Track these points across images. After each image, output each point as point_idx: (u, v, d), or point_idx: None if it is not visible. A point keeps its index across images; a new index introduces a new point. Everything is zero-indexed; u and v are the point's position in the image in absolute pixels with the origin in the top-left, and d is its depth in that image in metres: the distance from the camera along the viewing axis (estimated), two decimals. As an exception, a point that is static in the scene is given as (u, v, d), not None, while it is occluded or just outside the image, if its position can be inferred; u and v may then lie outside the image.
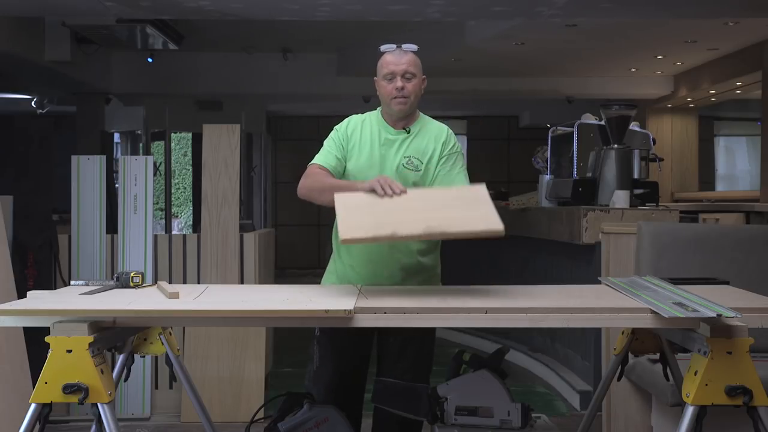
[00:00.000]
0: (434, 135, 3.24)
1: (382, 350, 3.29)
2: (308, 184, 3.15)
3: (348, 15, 6.14)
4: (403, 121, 3.22)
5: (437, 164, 3.20)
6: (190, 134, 14.30)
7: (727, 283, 3.01)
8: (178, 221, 16.79)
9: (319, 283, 3.37)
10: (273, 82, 10.37)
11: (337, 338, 3.26)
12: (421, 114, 3.28)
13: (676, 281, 2.91)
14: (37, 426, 2.37)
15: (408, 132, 3.23)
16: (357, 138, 3.24)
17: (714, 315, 2.28)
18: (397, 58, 3.16)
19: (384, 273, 3.16)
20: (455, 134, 3.35)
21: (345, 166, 3.22)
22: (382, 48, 3.23)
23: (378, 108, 3.32)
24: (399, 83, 3.13)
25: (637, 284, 2.86)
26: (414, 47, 3.22)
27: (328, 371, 3.28)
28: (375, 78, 3.24)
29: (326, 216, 14.16)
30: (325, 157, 3.22)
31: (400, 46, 3.20)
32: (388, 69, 3.16)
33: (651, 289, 2.75)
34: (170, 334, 3.03)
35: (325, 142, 3.30)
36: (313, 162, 3.23)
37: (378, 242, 2.97)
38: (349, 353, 3.28)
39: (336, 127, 3.32)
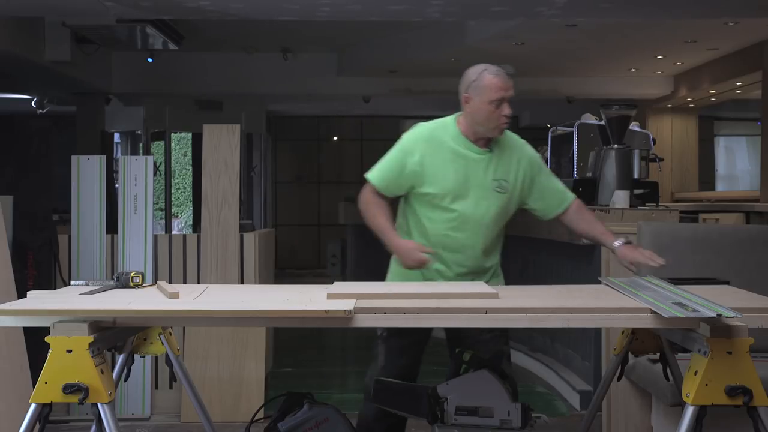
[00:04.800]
0: (515, 155, 3.24)
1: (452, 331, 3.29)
2: (362, 209, 3.25)
3: (348, 15, 6.14)
4: (484, 139, 3.20)
5: (523, 184, 3.24)
6: (190, 134, 14.29)
7: (727, 283, 3.01)
8: (178, 221, 16.79)
9: (318, 282, 3.36)
10: (273, 82, 10.37)
11: (403, 337, 3.25)
12: None
13: (676, 281, 2.91)
14: (37, 426, 2.37)
15: (491, 151, 3.21)
16: (438, 161, 3.17)
17: (714, 315, 2.28)
18: (505, 84, 3.13)
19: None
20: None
21: (417, 187, 3.19)
22: (484, 71, 3.16)
23: (452, 119, 3.25)
24: (507, 110, 3.12)
25: (637, 284, 2.86)
26: (511, 70, 3.22)
27: (394, 370, 3.27)
28: (465, 95, 3.17)
29: (326, 216, 14.20)
30: (382, 179, 3.21)
31: (503, 69, 3.17)
32: (498, 95, 3.11)
33: (651, 289, 2.75)
34: (170, 334, 3.03)
35: (390, 155, 3.23)
36: (371, 179, 3.22)
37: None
38: (412, 351, 3.29)
39: (406, 144, 3.22)
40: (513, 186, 3.22)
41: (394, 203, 3.33)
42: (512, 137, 3.30)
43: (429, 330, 3.26)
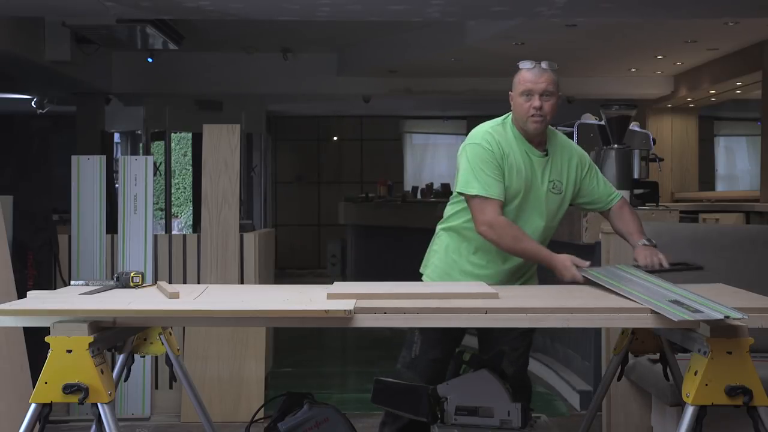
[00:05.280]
0: (566, 156, 3.26)
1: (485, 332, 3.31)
2: (499, 238, 3.08)
3: (348, 15, 6.14)
4: (538, 138, 3.20)
5: (576, 184, 3.26)
6: (190, 134, 14.29)
7: (701, 268, 3.03)
8: (178, 221, 16.78)
9: (318, 282, 3.36)
10: (273, 82, 10.37)
11: (441, 329, 3.21)
12: (548, 128, 3.26)
13: (649, 270, 2.93)
14: (37, 426, 2.37)
15: (547, 153, 3.22)
16: (513, 158, 3.16)
17: (721, 317, 2.27)
18: (536, 77, 3.12)
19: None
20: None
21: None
22: (520, 64, 3.18)
23: (506, 120, 3.24)
24: (537, 102, 3.10)
25: (615, 275, 2.86)
26: (553, 65, 3.18)
27: (427, 360, 3.28)
28: (510, 93, 3.18)
29: (326, 216, 14.20)
30: (497, 188, 3.10)
31: (540, 63, 3.15)
32: (525, 86, 3.11)
33: (634, 281, 2.74)
34: (170, 334, 3.03)
35: (479, 163, 3.12)
36: (489, 195, 3.08)
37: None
38: (447, 346, 3.28)
39: (485, 145, 3.14)
40: (566, 186, 3.24)
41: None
42: (562, 138, 3.32)
43: (463, 328, 3.25)
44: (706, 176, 12.08)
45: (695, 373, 2.34)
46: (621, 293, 2.61)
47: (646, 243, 3.15)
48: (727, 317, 2.27)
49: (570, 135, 5.56)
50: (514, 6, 5.97)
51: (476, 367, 2.95)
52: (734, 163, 13.35)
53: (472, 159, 3.13)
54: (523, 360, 3.38)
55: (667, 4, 6.07)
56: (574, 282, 2.97)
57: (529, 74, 3.13)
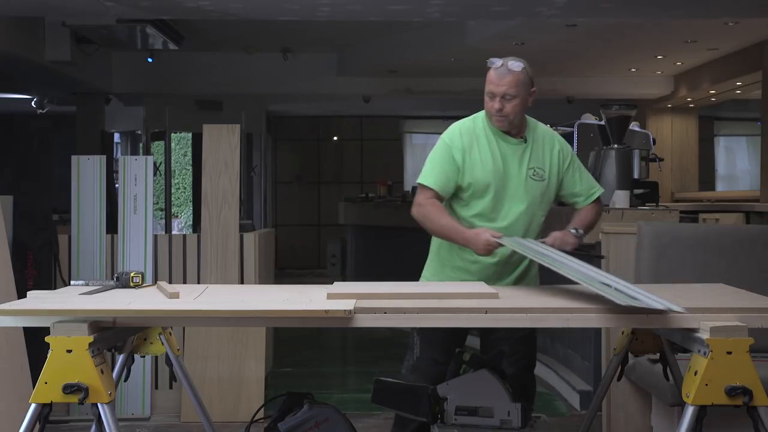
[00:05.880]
0: (548, 145, 3.28)
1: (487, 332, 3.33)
2: (420, 216, 3.20)
3: (348, 15, 6.14)
4: (516, 129, 3.23)
5: (559, 175, 3.27)
6: (190, 134, 14.29)
7: (602, 257, 3.14)
8: (178, 221, 16.78)
9: (318, 282, 3.36)
10: (273, 82, 10.37)
11: (440, 329, 3.23)
12: (527, 118, 3.29)
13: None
14: (37, 426, 2.38)
15: (525, 140, 3.24)
16: (476, 151, 3.21)
17: (662, 308, 2.36)
18: (498, 78, 3.16)
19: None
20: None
21: (461, 178, 3.20)
22: (489, 62, 3.22)
23: (477, 116, 3.31)
24: (497, 105, 3.15)
25: (532, 249, 2.91)
26: (519, 65, 3.18)
27: (428, 362, 3.29)
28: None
29: (326, 216, 14.19)
30: (437, 179, 3.20)
31: (507, 63, 3.17)
32: (489, 87, 3.18)
33: (556, 259, 2.78)
34: (170, 334, 3.03)
35: (436, 156, 3.24)
36: (425, 183, 3.20)
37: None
38: (448, 343, 3.27)
39: (446, 140, 3.26)
40: (549, 174, 3.25)
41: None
42: (545, 128, 3.35)
43: (466, 328, 3.25)
44: (706, 176, 12.07)
45: (695, 373, 2.34)
46: (551, 267, 2.67)
47: (572, 231, 3.18)
48: (670, 309, 2.35)
49: (570, 135, 5.57)
50: (514, 6, 5.97)
51: (476, 367, 2.95)
52: (734, 163, 13.34)
53: (431, 154, 3.27)
54: (524, 362, 3.37)
55: (667, 4, 6.07)
56: (487, 252, 3.03)
57: (493, 75, 3.19)
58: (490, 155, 3.20)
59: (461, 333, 3.32)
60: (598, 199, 3.40)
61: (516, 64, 3.17)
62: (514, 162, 3.21)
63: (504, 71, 3.16)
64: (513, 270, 3.26)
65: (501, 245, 3.03)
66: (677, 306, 2.36)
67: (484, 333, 3.37)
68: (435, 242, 3.35)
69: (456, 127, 3.29)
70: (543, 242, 3.09)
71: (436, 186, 3.19)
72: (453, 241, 3.17)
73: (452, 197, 3.26)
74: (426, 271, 3.39)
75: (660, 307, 2.35)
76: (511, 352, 3.22)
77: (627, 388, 3.88)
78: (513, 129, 3.22)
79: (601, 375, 3.78)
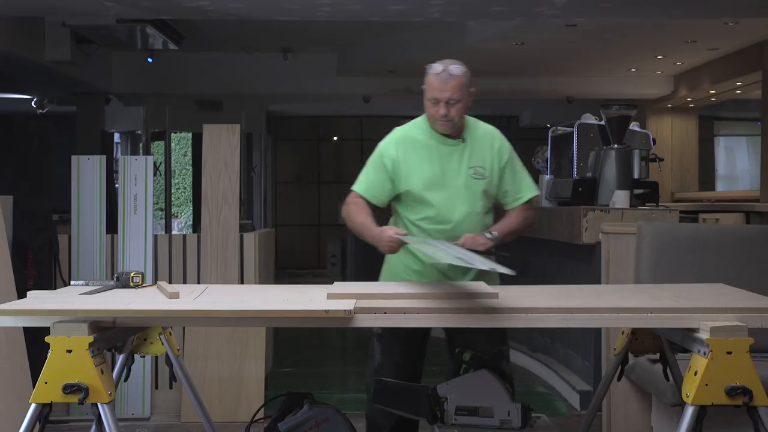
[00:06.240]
0: (488, 142, 3.30)
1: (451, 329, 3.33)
2: (345, 213, 3.32)
3: (348, 15, 6.14)
4: (456, 130, 3.26)
5: (499, 172, 3.28)
6: (190, 134, 14.29)
7: (507, 255, 3.17)
8: (178, 221, 16.79)
9: (318, 282, 3.37)
10: (273, 82, 10.37)
11: (398, 333, 3.27)
12: (467, 118, 3.30)
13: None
14: (37, 426, 2.38)
15: (464, 140, 3.25)
16: (412, 157, 3.25)
17: (486, 268, 2.56)
18: (442, 84, 3.16)
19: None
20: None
21: (398, 186, 3.25)
22: (429, 68, 3.22)
23: (421, 117, 3.32)
24: (443, 110, 3.17)
25: (431, 245, 2.99)
26: (460, 68, 3.20)
27: (390, 367, 3.32)
28: (423, 87, 3.24)
29: (326, 216, 14.20)
30: (367, 187, 3.29)
31: (448, 68, 3.18)
32: (432, 94, 3.18)
33: (441, 248, 2.86)
34: (170, 334, 3.03)
35: (368, 164, 3.33)
36: (357, 189, 3.30)
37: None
38: (409, 346, 3.31)
39: (381, 148, 3.32)
40: (491, 171, 3.27)
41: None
42: (486, 127, 3.36)
43: (426, 329, 3.27)
44: (706, 176, 12.07)
45: (695, 373, 2.34)
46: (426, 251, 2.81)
47: (487, 234, 3.20)
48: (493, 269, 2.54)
49: (570, 135, 5.57)
50: (514, 6, 5.96)
51: (476, 367, 2.95)
52: (734, 163, 13.34)
53: (368, 160, 3.36)
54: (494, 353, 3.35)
55: (667, 4, 6.07)
56: (391, 249, 3.08)
57: (436, 81, 3.18)
58: (428, 161, 3.23)
59: (420, 334, 3.33)
60: (530, 205, 3.37)
61: (457, 68, 3.20)
62: (454, 164, 3.23)
63: (446, 76, 3.17)
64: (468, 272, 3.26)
65: (405, 243, 3.08)
66: (507, 269, 2.48)
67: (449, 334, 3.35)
68: None
69: (393, 134, 3.33)
70: (455, 243, 3.10)
71: (365, 193, 3.29)
72: (365, 239, 3.22)
73: (398, 202, 3.31)
74: (383, 271, 3.43)
75: (486, 267, 2.57)
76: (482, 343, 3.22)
77: (627, 388, 3.88)
78: (454, 131, 3.25)
79: (601, 375, 3.78)
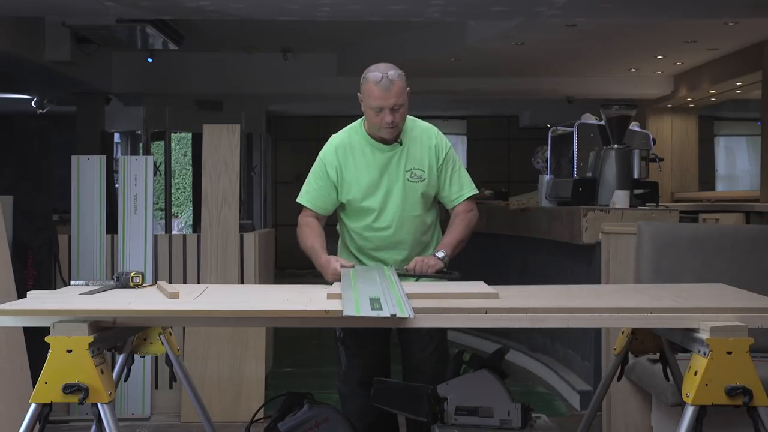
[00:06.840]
0: (426, 143, 3.29)
1: (403, 336, 3.35)
2: (298, 234, 3.36)
3: (348, 15, 6.14)
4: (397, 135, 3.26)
5: (437, 172, 3.28)
6: (190, 134, 14.29)
7: (459, 279, 3.06)
8: (178, 221, 16.78)
9: (318, 283, 3.37)
10: (273, 82, 10.37)
11: (359, 335, 3.28)
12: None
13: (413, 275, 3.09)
14: (37, 426, 2.37)
15: (401, 144, 3.25)
16: (351, 165, 3.26)
17: (388, 315, 2.27)
18: (384, 92, 3.12)
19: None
20: (454, 134, 3.40)
21: (340, 195, 3.28)
22: (369, 76, 3.17)
23: (359, 121, 3.32)
24: (389, 118, 3.15)
25: (367, 278, 2.85)
26: (397, 72, 3.18)
27: (357, 369, 3.34)
28: (359, 94, 3.21)
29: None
30: (312, 198, 3.31)
31: (387, 74, 3.14)
32: (376, 103, 3.14)
33: (374, 281, 2.76)
34: (170, 334, 3.03)
35: (311, 174, 3.33)
36: (300, 202, 3.33)
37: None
38: (373, 347, 3.32)
39: (321, 157, 3.32)
40: (429, 172, 3.27)
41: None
42: (423, 126, 3.34)
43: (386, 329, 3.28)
44: (706, 176, 12.07)
45: (695, 373, 2.34)
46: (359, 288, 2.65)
47: (437, 254, 3.19)
48: (393, 315, 2.27)
49: (570, 135, 5.57)
50: (514, 6, 5.96)
51: (476, 367, 2.96)
52: (734, 163, 13.34)
53: (310, 171, 3.36)
54: (436, 356, 3.37)
55: (667, 4, 6.07)
56: (335, 278, 3.06)
57: (377, 90, 3.14)
58: (365, 169, 3.24)
59: (382, 334, 3.34)
60: (471, 204, 3.37)
61: (395, 73, 3.17)
62: (392, 169, 3.24)
63: (387, 83, 3.13)
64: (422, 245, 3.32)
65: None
66: (410, 312, 2.30)
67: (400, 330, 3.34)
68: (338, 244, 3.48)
69: (332, 142, 3.33)
70: (406, 268, 3.13)
71: (310, 205, 3.31)
72: (314, 263, 3.26)
73: (342, 210, 3.34)
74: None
75: (386, 315, 2.28)
76: (420, 349, 3.28)
77: (627, 388, 3.88)
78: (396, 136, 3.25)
79: (601, 375, 3.78)
